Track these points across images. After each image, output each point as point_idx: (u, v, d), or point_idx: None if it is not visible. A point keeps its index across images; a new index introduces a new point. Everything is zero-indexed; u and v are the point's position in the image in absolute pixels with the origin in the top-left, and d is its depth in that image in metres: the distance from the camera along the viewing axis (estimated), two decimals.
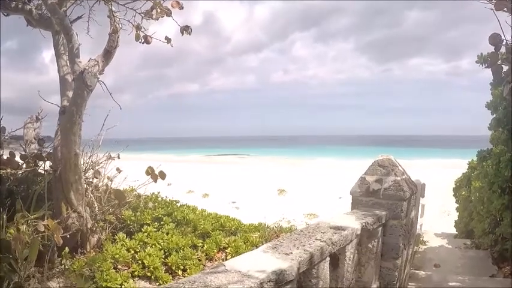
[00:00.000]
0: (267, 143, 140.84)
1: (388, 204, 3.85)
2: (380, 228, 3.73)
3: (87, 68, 4.79)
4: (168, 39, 5.66)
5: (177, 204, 6.54)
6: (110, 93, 4.87)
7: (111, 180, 6.23)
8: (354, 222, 3.14)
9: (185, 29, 5.28)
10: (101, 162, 6.19)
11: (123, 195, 5.15)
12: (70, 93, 4.89)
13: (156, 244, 5.08)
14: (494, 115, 5.28)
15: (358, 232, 3.07)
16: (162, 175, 5.56)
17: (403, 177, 3.99)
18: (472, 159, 8.27)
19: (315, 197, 21.16)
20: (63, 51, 5.28)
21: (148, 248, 4.98)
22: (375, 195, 3.92)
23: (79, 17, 5.50)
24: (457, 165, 37.71)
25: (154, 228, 5.42)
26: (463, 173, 8.96)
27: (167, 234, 5.29)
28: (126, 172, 6.62)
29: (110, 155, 6.35)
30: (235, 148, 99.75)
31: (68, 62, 5.11)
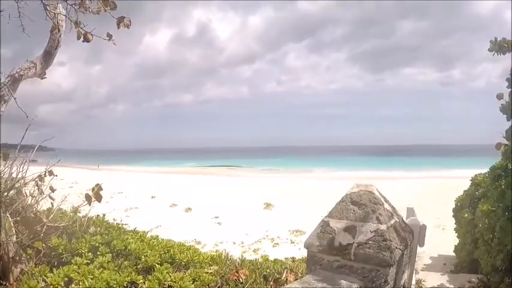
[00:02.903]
0: (259, 153, 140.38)
1: (364, 270, 2.47)
2: None
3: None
4: (109, 36, 4.85)
5: (124, 228, 5.57)
6: (14, 98, 4.10)
7: (53, 199, 5.30)
8: None
9: (120, 21, 4.43)
10: (41, 178, 5.26)
11: (29, 224, 4.22)
12: None
13: (84, 280, 4.12)
14: None
15: None
16: (98, 197, 4.63)
17: (391, 222, 2.65)
18: (476, 175, 7.17)
19: (303, 211, 20.13)
20: None
21: (73, 285, 4.03)
22: (343, 253, 2.57)
23: None
24: (451, 176, 37.30)
25: (87, 259, 4.46)
26: (465, 191, 7.58)
27: (100, 268, 4.32)
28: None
29: (51, 171, 5.38)
30: (227, 159, 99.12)
31: None
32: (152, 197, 26.08)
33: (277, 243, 14.92)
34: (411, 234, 2.94)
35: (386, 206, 2.75)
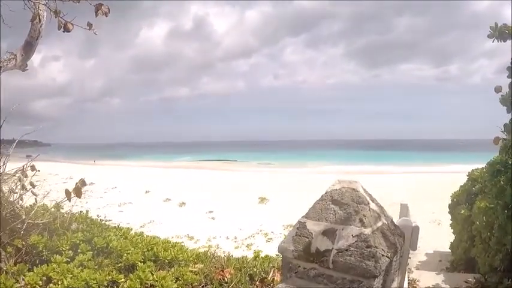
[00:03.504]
0: (255, 148, 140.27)
1: (345, 281, 2.16)
2: None
3: None
4: (89, 25, 4.71)
5: (106, 225, 5.39)
6: None
7: (36, 195, 5.15)
8: None
9: (98, 8, 4.26)
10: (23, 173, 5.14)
11: (5, 221, 4.05)
12: None
13: (63, 280, 3.94)
14: None
15: None
16: (78, 192, 4.46)
17: (378, 225, 2.34)
18: (472, 170, 6.94)
19: (298, 206, 19.94)
20: None
21: (52, 285, 3.86)
22: (321, 260, 2.24)
23: None
24: (447, 170, 37.30)
25: (67, 257, 4.28)
26: (461, 187, 7.31)
27: (79, 266, 4.15)
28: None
29: (33, 166, 5.21)
30: (223, 153, 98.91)
31: None
32: (146, 191, 25.94)
33: (271, 239, 14.76)
34: (402, 238, 2.59)
35: (372, 205, 2.42)
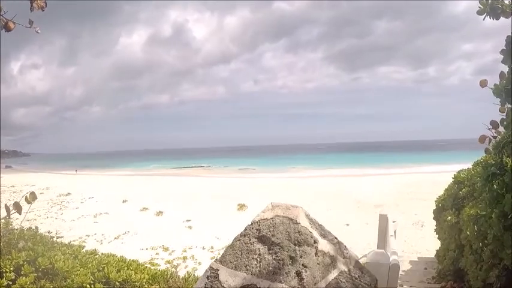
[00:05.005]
0: (236, 153, 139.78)
1: None
2: None
3: None
4: (30, 23, 4.25)
5: (56, 242, 4.92)
6: None
7: None
8: None
9: (33, 1, 3.83)
10: None
11: None
12: None
13: None
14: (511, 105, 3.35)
15: None
16: (18, 208, 4.01)
17: (330, 277, 1.53)
18: (458, 172, 6.31)
19: None
20: None
21: None
22: None
23: None
24: (427, 170, 37.49)
25: (8, 280, 3.83)
26: (446, 190, 6.63)
27: None
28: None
29: None
30: (203, 159, 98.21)
31: None
32: (124, 201, 25.32)
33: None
34: (372, 287, 1.74)
35: (321, 245, 1.57)
